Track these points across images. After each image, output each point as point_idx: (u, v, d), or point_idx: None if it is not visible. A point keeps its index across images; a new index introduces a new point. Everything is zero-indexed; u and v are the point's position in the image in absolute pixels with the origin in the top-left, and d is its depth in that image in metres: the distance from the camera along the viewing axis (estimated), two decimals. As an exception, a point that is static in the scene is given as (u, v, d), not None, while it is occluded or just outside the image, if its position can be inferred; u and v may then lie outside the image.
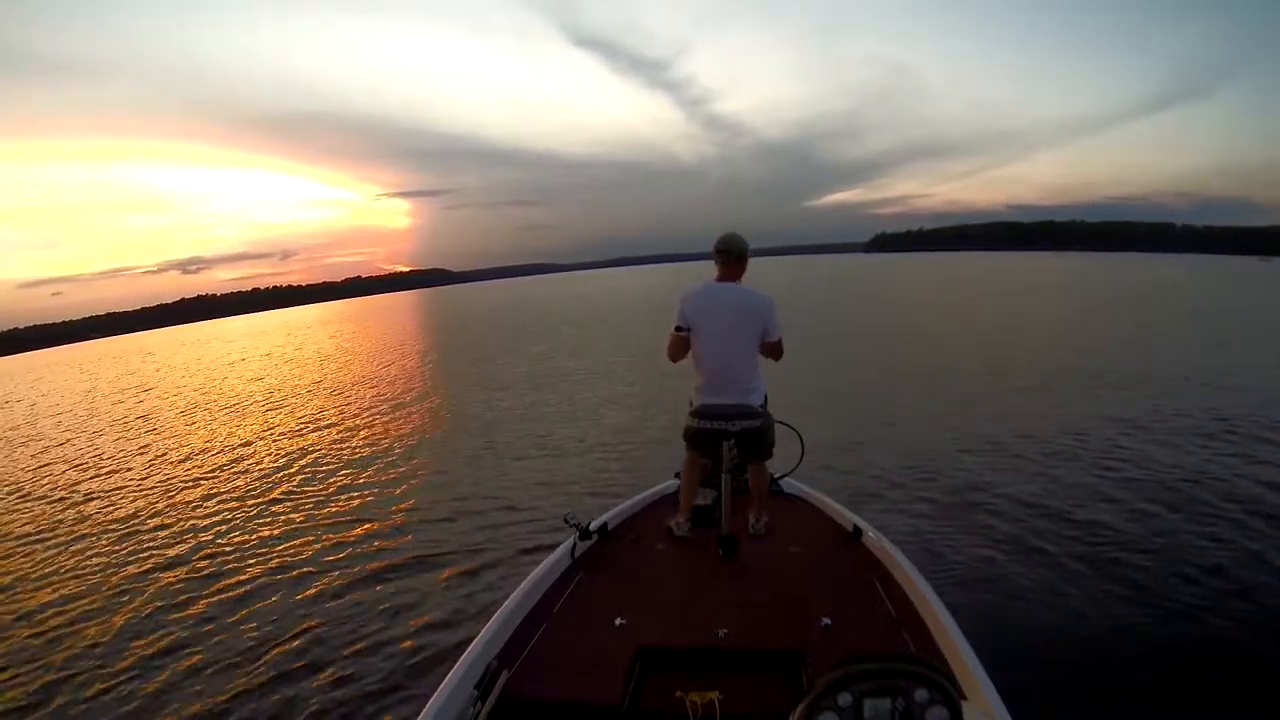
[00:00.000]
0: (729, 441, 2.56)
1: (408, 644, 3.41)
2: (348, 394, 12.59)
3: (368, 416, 10.10)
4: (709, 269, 2.79)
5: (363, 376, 15.03)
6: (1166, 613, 3.28)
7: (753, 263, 2.77)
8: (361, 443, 8.37)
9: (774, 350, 2.75)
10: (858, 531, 2.63)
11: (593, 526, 2.70)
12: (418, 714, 1.53)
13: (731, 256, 2.69)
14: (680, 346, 2.69)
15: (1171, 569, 3.69)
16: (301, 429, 9.66)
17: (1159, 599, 3.41)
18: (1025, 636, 3.10)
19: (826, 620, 1.97)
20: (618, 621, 2.03)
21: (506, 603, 2.10)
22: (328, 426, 9.61)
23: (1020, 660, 2.80)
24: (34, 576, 4.99)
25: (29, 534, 6.10)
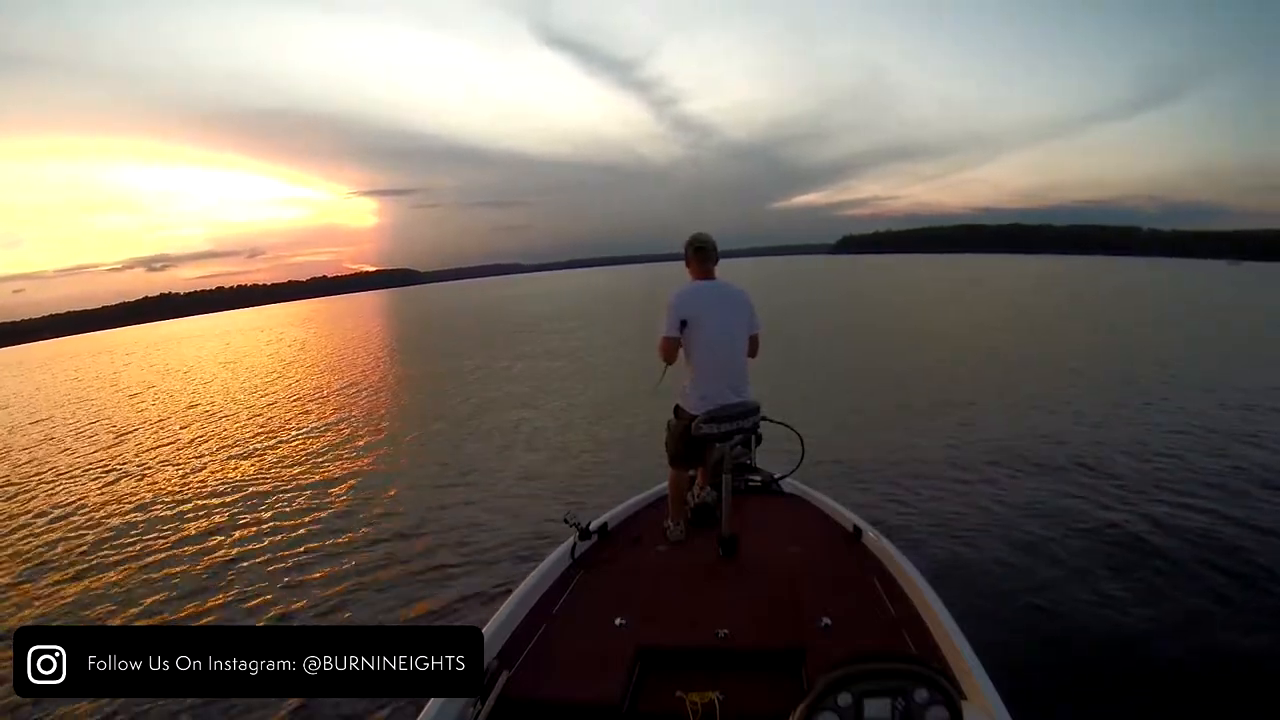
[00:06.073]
0: (731, 440, 2.56)
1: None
2: (336, 399, 12.52)
3: (361, 420, 10.10)
4: (679, 269, 2.78)
5: (347, 381, 14.88)
6: (1167, 612, 3.28)
7: (722, 264, 2.80)
8: (358, 446, 8.36)
9: (755, 345, 2.77)
10: (858, 531, 2.63)
11: (593, 526, 2.70)
12: (417, 714, 1.52)
13: (711, 255, 2.72)
14: (676, 349, 2.69)
15: (1172, 568, 3.69)
16: (297, 433, 9.66)
17: (1159, 599, 3.41)
18: (1025, 636, 3.10)
19: (826, 620, 1.97)
20: (618, 621, 2.03)
21: (506, 603, 2.09)
22: (324, 430, 9.60)
23: (1020, 660, 2.80)
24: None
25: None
